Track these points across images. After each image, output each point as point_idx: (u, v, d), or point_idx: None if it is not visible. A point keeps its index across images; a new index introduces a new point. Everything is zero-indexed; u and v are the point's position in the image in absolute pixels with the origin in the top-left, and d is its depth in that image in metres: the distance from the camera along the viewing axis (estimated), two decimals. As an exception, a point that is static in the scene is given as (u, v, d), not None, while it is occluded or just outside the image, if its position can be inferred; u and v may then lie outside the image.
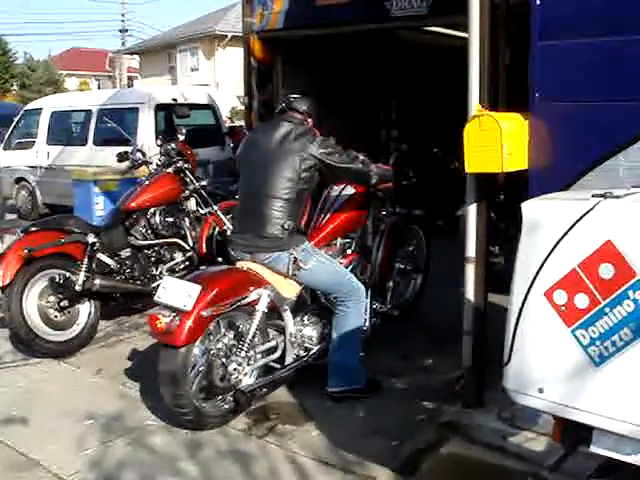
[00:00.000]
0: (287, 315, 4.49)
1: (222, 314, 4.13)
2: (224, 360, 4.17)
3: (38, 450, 4.00)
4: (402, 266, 5.88)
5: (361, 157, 4.68)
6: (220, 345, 4.21)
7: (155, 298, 4.13)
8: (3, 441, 4.15)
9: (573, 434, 2.42)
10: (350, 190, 5.09)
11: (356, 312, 4.57)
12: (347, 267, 4.92)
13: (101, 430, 4.26)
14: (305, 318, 4.70)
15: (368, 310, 4.99)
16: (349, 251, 5.08)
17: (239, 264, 4.48)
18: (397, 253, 5.81)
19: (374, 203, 5.28)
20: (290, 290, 4.49)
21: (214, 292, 4.05)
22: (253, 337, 4.26)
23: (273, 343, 4.47)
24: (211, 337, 4.21)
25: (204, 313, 3.97)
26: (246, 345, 4.22)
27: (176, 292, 4.05)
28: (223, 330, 4.28)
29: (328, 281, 4.55)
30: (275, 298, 4.37)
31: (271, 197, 4.33)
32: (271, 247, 4.35)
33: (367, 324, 4.96)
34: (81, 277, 5.54)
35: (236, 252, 4.53)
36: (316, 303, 4.75)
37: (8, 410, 4.54)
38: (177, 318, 3.96)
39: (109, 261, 5.88)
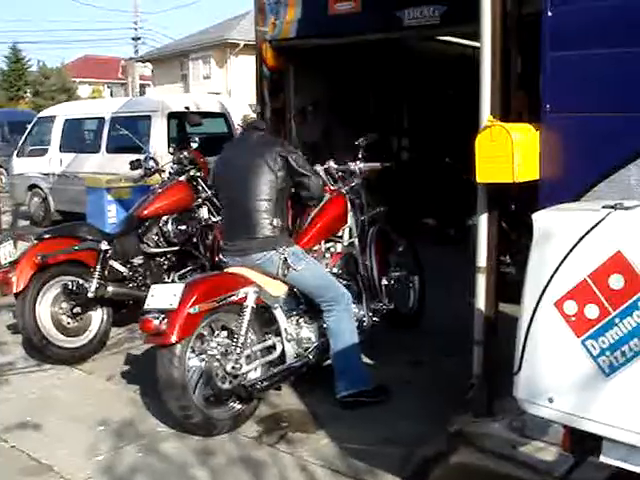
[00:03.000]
0: (279, 313, 4.58)
1: (210, 311, 4.21)
2: (221, 361, 4.23)
3: (50, 455, 4.04)
4: (397, 273, 5.89)
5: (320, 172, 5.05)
6: (214, 345, 4.28)
7: (145, 306, 4.19)
8: (16, 446, 4.18)
9: (583, 444, 2.42)
10: (327, 194, 5.17)
11: (346, 315, 4.66)
12: (333, 268, 5.06)
13: (112, 436, 4.29)
14: (299, 316, 4.76)
15: (365, 311, 5.12)
16: (333, 250, 5.16)
17: (227, 270, 4.61)
18: (389, 260, 5.85)
19: (353, 206, 5.33)
20: (278, 289, 4.58)
21: (199, 290, 4.18)
22: (246, 334, 4.32)
23: (270, 342, 4.54)
24: (205, 340, 4.29)
25: (191, 310, 4.06)
26: (240, 342, 4.27)
27: (162, 295, 4.16)
28: (216, 332, 4.35)
29: (316, 285, 4.66)
30: (264, 296, 4.46)
31: (255, 200, 4.50)
32: (263, 247, 4.49)
33: (366, 323, 5.08)
34: (94, 284, 5.57)
35: (227, 258, 4.67)
36: (308, 302, 4.79)
37: (21, 416, 4.58)
38: (166, 318, 4.04)
39: (121, 268, 5.92)
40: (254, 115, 4.96)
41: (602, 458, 2.34)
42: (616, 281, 2.23)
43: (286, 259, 4.49)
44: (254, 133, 4.79)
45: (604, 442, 2.31)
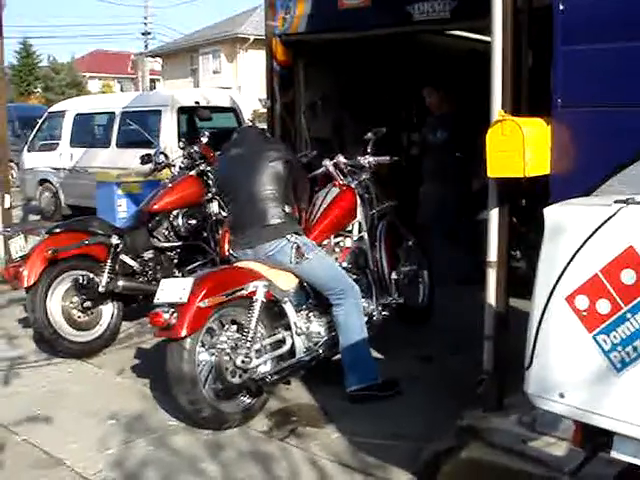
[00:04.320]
0: (289, 308, 4.58)
1: (220, 305, 4.22)
2: (231, 355, 4.24)
3: (61, 449, 4.05)
4: (407, 267, 5.88)
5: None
6: (224, 338, 4.28)
7: (155, 301, 4.21)
8: (27, 439, 4.20)
9: (594, 439, 2.41)
10: (337, 189, 5.18)
11: (355, 309, 4.67)
12: (343, 262, 5.06)
13: (123, 430, 4.30)
14: (309, 310, 4.77)
15: (374, 305, 5.13)
16: (342, 245, 5.17)
17: (237, 264, 4.64)
18: (398, 254, 5.84)
19: (363, 200, 5.34)
20: (288, 282, 4.60)
21: (209, 283, 4.20)
22: (256, 328, 4.32)
23: (280, 336, 4.55)
24: (214, 334, 4.30)
25: (201, 304, 4.07)
26: (250, 336, 4.28)
27: (172, 289, 4.17)
28: (225, 326, 4.36)
29: (326, 276, 4.68)
30: (273, 290, 4.47)
31: (264, 190, 4.56)
32: (275, 235, 4.53)
33: (376, 317, 5.10)
34: (104, 278, 5.59)
35: (237, 252, 4.69)
36: (318, 296, 4.80)
37: (32, 409, 4.60)
38: (176, 312, 4.05)
39: (132, 263, 5.93)
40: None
41: (613, 454, 2.33)
42: (628, 276, 2.21)
43: (299, 247, 4.51)
44: (250, 132, 4.97)
45: (615, 437, 2.30)
